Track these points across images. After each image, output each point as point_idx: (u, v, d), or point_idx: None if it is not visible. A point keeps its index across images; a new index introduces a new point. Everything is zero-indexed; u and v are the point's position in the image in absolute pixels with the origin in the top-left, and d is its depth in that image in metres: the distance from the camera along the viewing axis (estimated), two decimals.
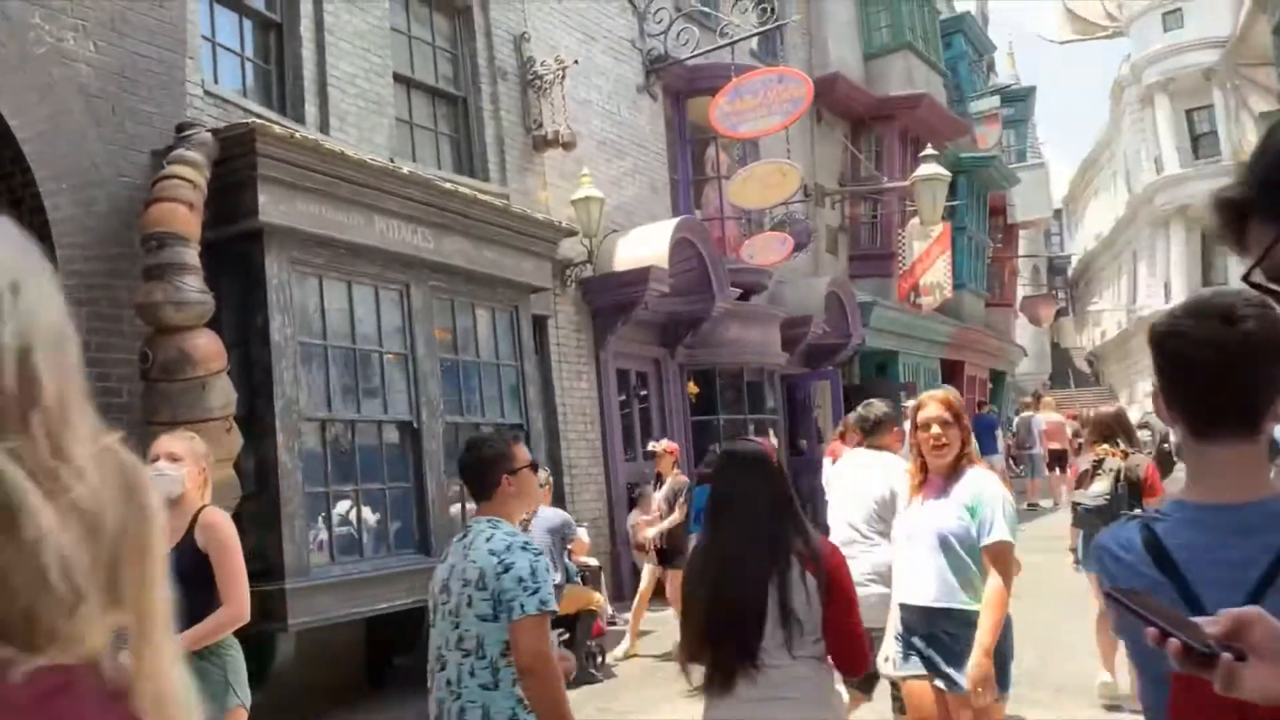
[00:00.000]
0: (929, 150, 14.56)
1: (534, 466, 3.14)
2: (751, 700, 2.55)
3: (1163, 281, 36.15)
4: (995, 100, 19.57)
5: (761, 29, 11.88)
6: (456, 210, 7.67)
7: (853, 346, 14.57)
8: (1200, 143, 35.24)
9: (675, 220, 10.73)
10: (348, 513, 6.91)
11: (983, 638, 3.26)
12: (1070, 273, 45.90)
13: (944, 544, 3.42)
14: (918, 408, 3.56)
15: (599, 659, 7.62)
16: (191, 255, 5.70)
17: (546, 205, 9.90)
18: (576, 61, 10.14)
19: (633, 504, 10.03)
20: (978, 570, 3.37)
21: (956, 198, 17.40)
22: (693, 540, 9.35)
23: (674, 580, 8.56)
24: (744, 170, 11.54)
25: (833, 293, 13.90)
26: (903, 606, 3.58)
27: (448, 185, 7.71)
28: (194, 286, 5.65)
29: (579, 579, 7.63)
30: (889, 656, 3.62)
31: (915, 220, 16.00)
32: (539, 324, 9.57)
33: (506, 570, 2.74)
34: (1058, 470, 18.15)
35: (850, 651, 2.64)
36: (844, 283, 14.35)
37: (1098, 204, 44.88)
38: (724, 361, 12.13)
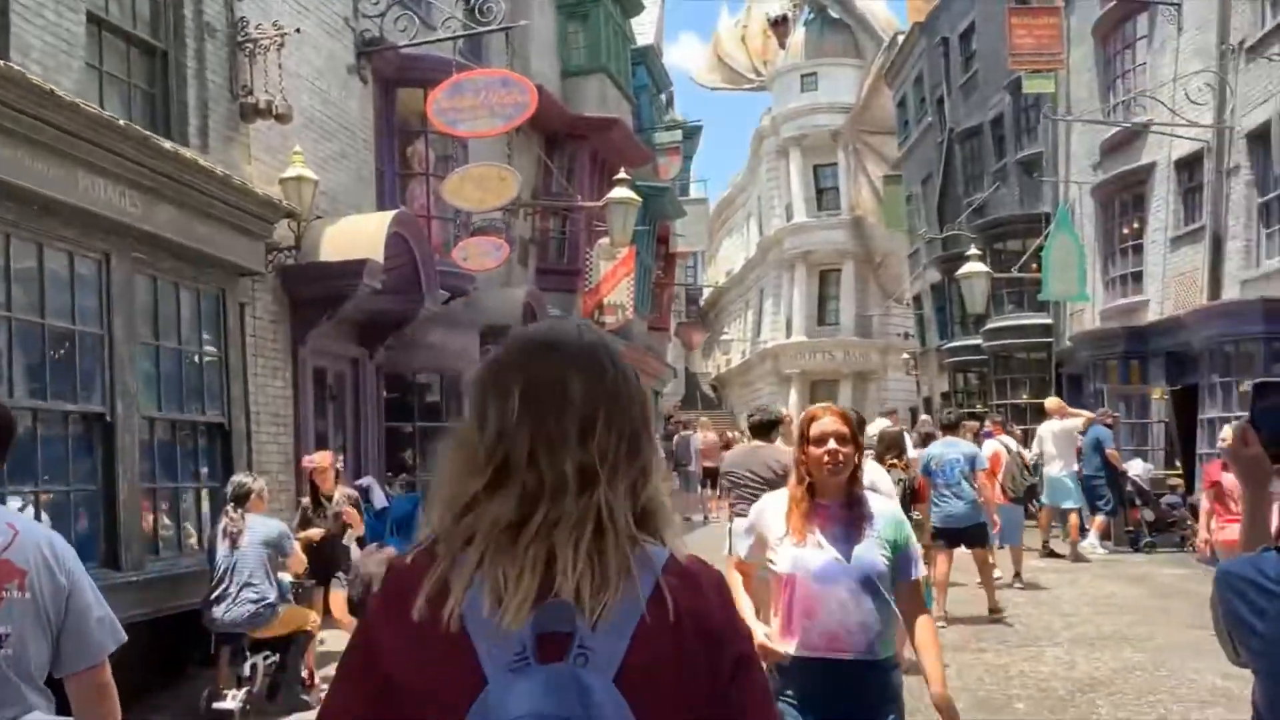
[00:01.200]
0: (622, 174, 14.88)
1: None
2: None
3: (785, 318, 39.74)
4: (678, 134, 20.52)
5: (489, 29, 11.56)
6: (170, 175, 6.73)
7: None
8: (824, 196, 39.16)
9: (392, 213, 10.12)
10: None
11: (937, 675, 2.98)
12: (702, 303, 49.21)
13: (872, 586, 2.97)
14: (809, 419, 3.14)
15: (310, 683, 6.91)
16: None
17: (251, 180, 8.95)
18: (299, 30, 9.30)
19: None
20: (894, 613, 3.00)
21: (636, 223, 17.96)
22: (380, 553, 8.82)
23: (336, 598, 7.79)
24: (461, 170, 11.15)
25: (529, 304, 13.78)
26: (811, 662, 2.97)
27: (167, 146, 6.72)
28: None
29: (291, 597, 6.89)
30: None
31: (603, 240, 16.31)
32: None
33: None
34: (709, 487, 19.21)
35: None
36: (539, 295, 14.28)
37: (731, 242, 48.47)
38: (424, 366, 11.61)
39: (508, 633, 1.14)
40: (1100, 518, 12.67)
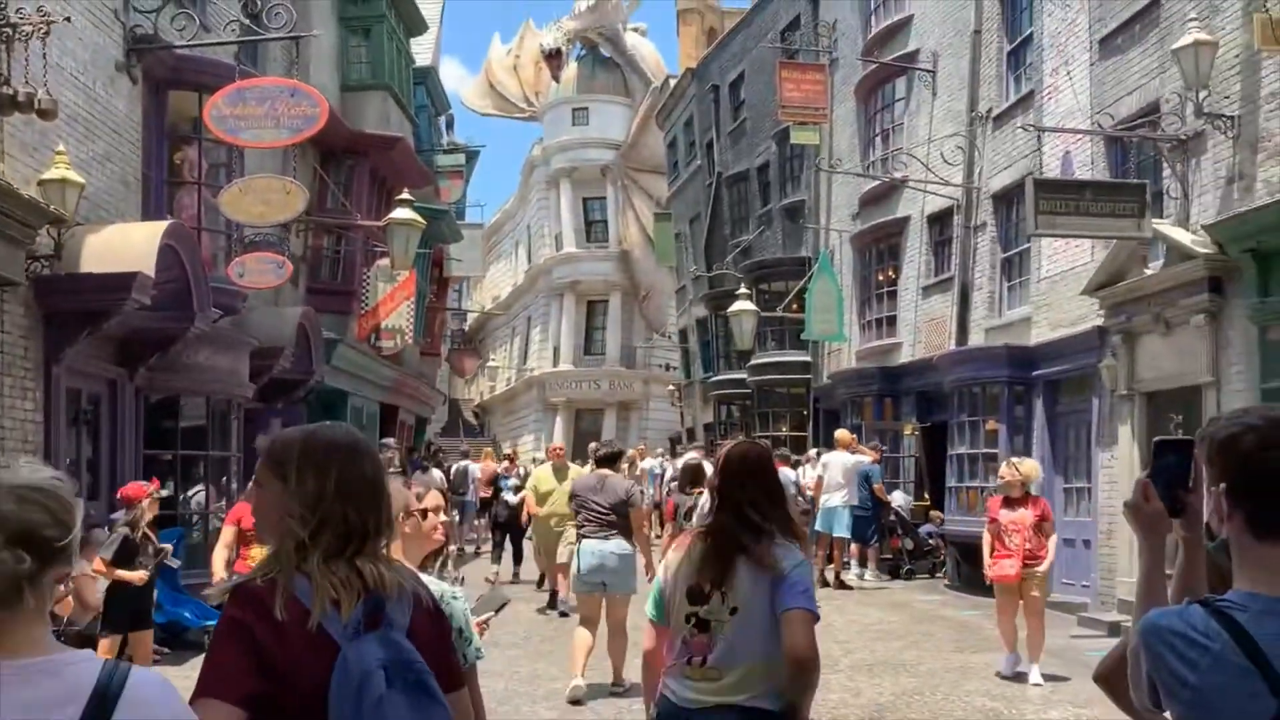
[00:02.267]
0: (405, 195, 14.49)
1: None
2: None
3: (553, 346, 39.93)
4: (460, 157, 20.21)
5: (273, 37, 10.98)
6: None
7: (314, 383, 13.88)
8: (593, 228, 39.77)
9: (164, 223, 9.39)
10: None
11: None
12: (466, 328, 48.61)
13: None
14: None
15: None
16: None
17: (2, 180, 8.05)
18: (69, 19, 8.48)
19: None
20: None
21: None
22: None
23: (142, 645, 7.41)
24: (241, 181, 10.51)
25: (302, 324, 13.13)
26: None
27: None
28: None
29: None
30: None
31: (382, 261, 15.82)
32: None
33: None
34: (482, 516, 18.93)
35: None
36: (313, 316, 13.63)
37: (498, 268, 48.23)
38: (189, 389, 10.81)
39: (346, 618, 1.84)
40: (867, 547, 13.47)
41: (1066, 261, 12.20)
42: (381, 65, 16.63)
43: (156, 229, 9.29)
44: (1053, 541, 8.03)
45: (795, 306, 19.17)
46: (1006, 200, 13.94)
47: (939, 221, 15.64)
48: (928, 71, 15.95)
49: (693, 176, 27.43)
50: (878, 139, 17.55)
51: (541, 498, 10.96)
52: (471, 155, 23.41)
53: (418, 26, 18.90)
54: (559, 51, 37.16)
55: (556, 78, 37.67)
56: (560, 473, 10.95)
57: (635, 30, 40.23)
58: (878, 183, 17.09)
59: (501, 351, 46.50)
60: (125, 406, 10.07)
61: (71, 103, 9.34)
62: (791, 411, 20.61)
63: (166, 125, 11.35)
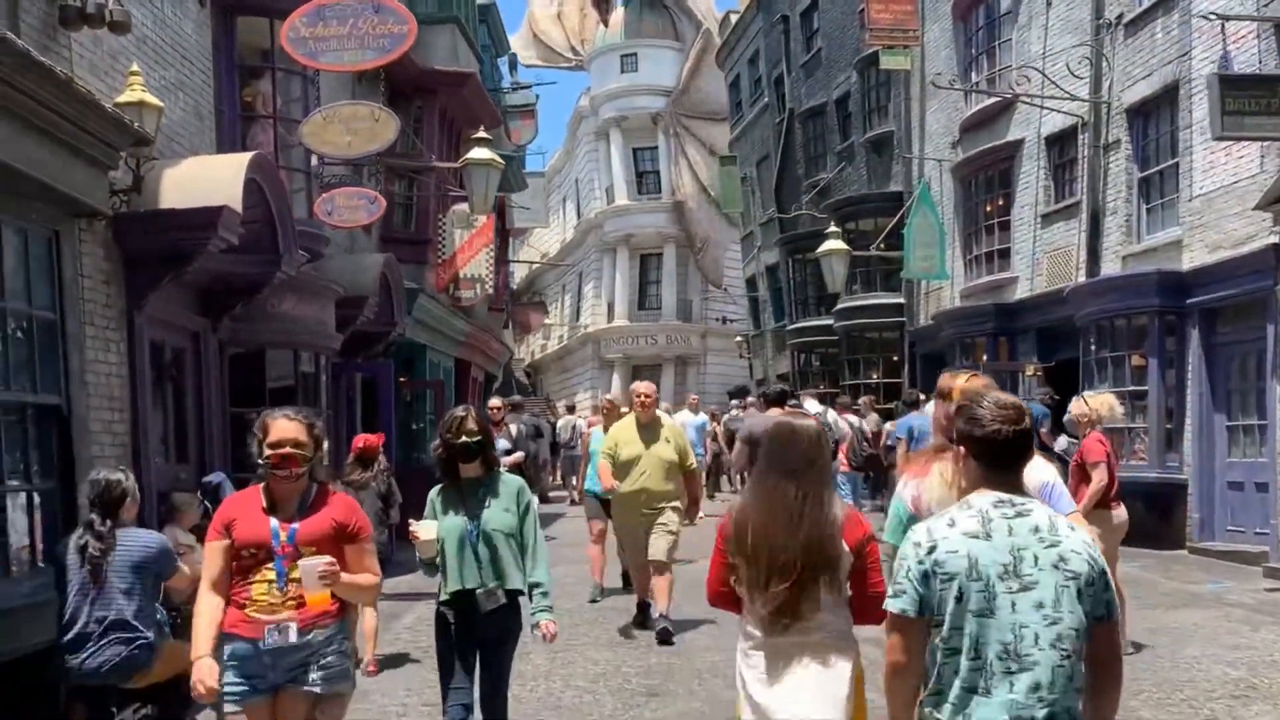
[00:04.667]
0: (482, 133, 13.45)
1: None
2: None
3: (606, 302, 38.91)
4: (531, 95, 19.09)
5: None
6: None
7: (395, 335, 12.98)
8: (645, 179, 38.54)
9: (248, 155, 8.43)
10: None
11: None
12: (515, 286, 47.66)
13: None
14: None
15: None
16: None
17: (84, 89, 7.10)
18: None
19: (163, 521, 7.53)
20: None
21: None
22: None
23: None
24: (324, 109, 9.52)
25: (384, 273, 12.19)
26: None
27: None
28: None
29: (169, 629, 5.29)
30: None
31: (458, 206, 14.84)
32: None
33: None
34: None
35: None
36: (394, 263, 12.68)
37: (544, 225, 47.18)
38: (275, 341, 9.92)
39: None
40: None
41: (1228, 175, 10.96)
42: None
43: (240, 161, 8.33)
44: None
45: (883, 245, 17.99)
46: (1143, 113, 12.67)
47: (1059, 142, 14.37)
48: None
49: (759, 116, 26.14)
50: (982, 58, 16.23)
51: (622, 467, 7.62)
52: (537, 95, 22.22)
53: None
54: None
55: (605, 21, 36.33)
56: (649, 429, 7.69)
57: None
58: (982, 106, 15.83)
59: (553, 308, 45.53)
60: (209, 360, 9.18)
61: (139, 23, 8.36)
62: (884, 357, 19.49)
63: (236, 55, 10.36)
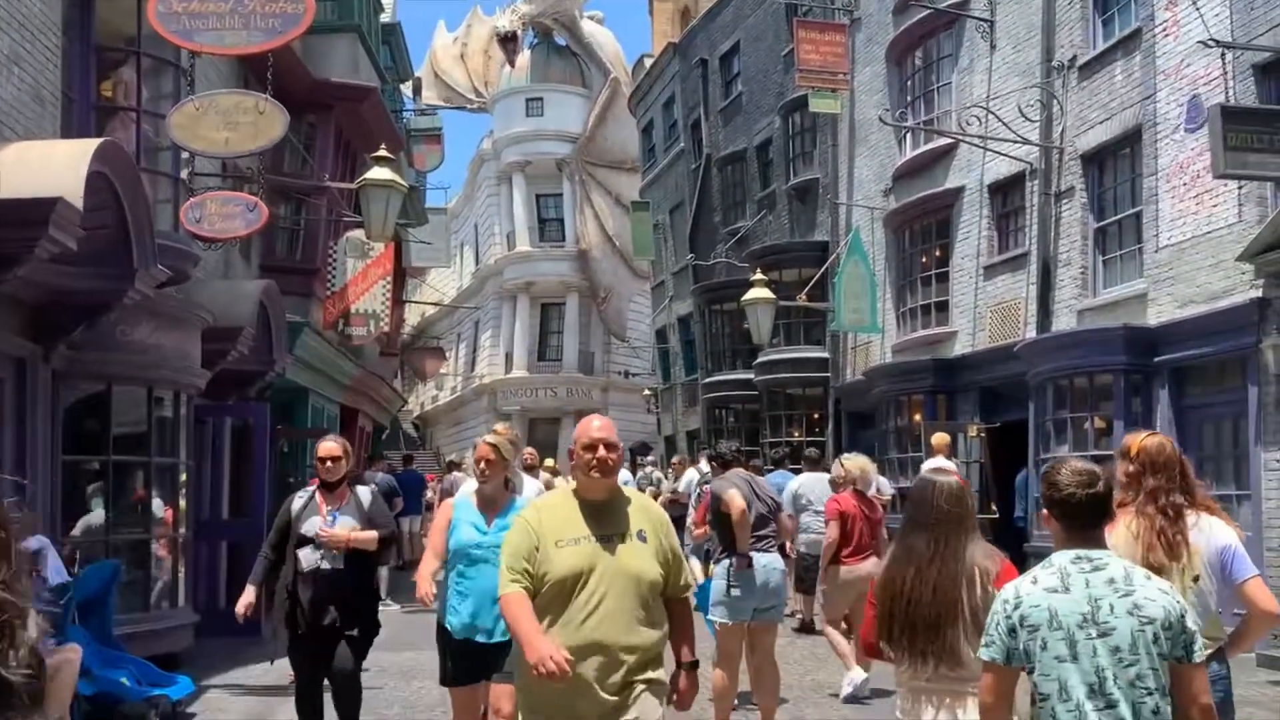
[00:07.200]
0: (383, 151, 11.95)
1: None
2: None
3: (505, 351, 37.27)
4: (438, 119, 17.60)
5: None
6: None
7: (273, 375, 11.27)
8: (548, 226, 37.27)
9: (95, 141, 6.81)
10: None
11: None
12: (405, 334, 45.61)
13: None
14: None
15: None
16: None
17: None
18: None
19: None
20: None
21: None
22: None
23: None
24: (199, 97, 7.95)
25: (263, 303, 10.53)
26: None
27: None
28: None
29: None
30: None
31: (352, 234, 13.27)
32: None
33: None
34: None
35: None
36: (276, 294, 11.01)
37: (440, 269, 45.35)
38: (124, 374, 8.19)
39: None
40: None
41: (1200, 224, 10.20)
42: (350, 4, 14.06)
43: (84, 147, 6.72)
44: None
45: (806, 296, 17.00)
46: (1099, 160, 11.96)
47: (1003, 190, 13.60)
48: (985, 21, 13.95)
49: (674, 162, 25.20)
50: (918, 102, 15.48)
51: (553, 597, 3.30)
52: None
53: None
54: (514, 35, 34.70)
55: (512, 62, 35.21)
56: (607, 512, 3.83)
57: (592, 18, 37.97)
58: (919, 152, 15.05)
59: (448, 357, 43.63)
60: (38, 395, 7.41)
61: None
62: (806, 414, 18.43)
63: (94, 35, 8.72)
